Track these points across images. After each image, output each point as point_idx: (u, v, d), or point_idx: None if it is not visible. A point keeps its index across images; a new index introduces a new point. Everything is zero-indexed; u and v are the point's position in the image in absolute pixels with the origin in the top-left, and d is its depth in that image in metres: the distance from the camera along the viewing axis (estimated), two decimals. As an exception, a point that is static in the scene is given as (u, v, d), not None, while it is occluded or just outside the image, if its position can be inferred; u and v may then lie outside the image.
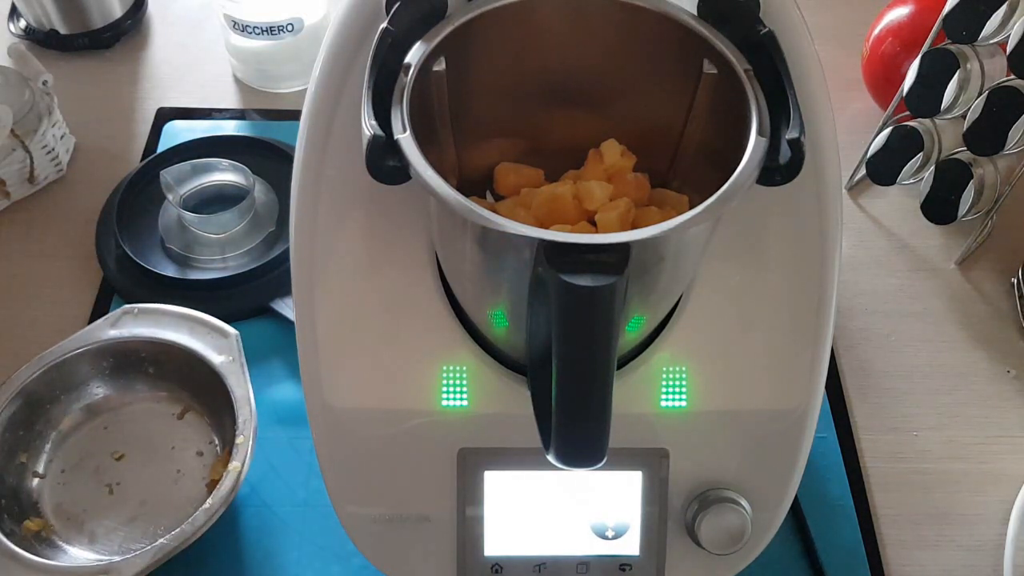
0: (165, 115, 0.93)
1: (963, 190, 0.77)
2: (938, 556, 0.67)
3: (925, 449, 0.72)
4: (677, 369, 0.54)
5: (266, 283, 0.78)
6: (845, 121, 0.90)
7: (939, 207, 0.79)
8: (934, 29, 0.75)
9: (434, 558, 0.56)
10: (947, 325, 0.79)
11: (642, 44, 0.49)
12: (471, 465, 0.55)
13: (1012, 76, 0.71)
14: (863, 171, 0.84)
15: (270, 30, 0.89)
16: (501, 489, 0.55)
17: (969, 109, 0.74)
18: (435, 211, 0.46)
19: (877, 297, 0.80)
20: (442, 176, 0.41)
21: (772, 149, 0.42)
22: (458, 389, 0.54)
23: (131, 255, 0.78)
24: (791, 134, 0.41)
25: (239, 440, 0.63)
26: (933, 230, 0.84)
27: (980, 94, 0.73)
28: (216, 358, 0.67)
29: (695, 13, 0.48)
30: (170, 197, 0.79)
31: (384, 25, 0.44)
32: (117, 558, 0.60)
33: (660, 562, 0.56)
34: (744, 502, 0.55)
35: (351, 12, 0.51)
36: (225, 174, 0.83)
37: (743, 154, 0.42)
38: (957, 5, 0.72)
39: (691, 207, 0.41)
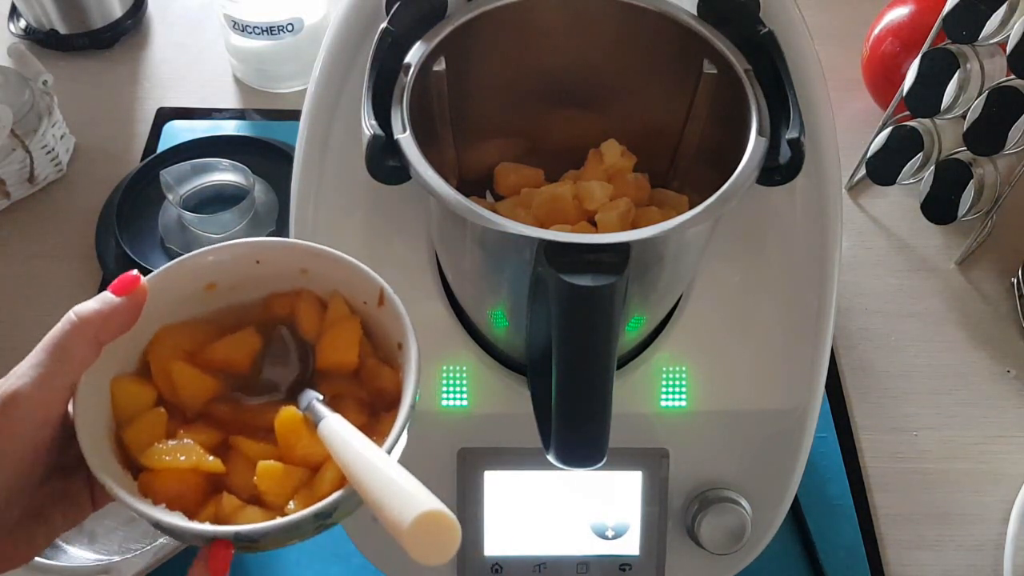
0: (165, 115, 0.93)
1: (963, 190, 0.77)
2: (938, 556, 0.67)
3: (925, 449, 0.72)
4: (677, 369, 0.54)
5: (266, 283, 0.78)
6: (845, 121, 0.90)
7: (939, 207, 0.79)
8: (934, 29, 0.75)
9: (434, 558, 0.56)
10: (947, 325, 0.79)
11: (642, 44, 0.49)
12: (471, 465, 0.55)
13: (1012, 76, 0.71)
14: (863, 171, 0.84)
15: (270, 30, 0.89)
16: (501, 489, 0.55)
17: (969, 109, 0.74)
18: (435, 211, 0.46)
19: (877, 297, 0.80)
20: (442, 176, 0.41)
21: (772, 149, 0.42)
22: (458, 389, 0.54)
23: (131, 255, 0.78)
24: (791, 134, 0.41)
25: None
26: (933, 230, 0.84)
27: (980, 94, 0.73)
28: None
29: (695, 13, 0.48)
30: (170, 197, 0.79)
31: (384, 25, 0.44)
32: (117, 558, 0.60)
33: (660, 562, 0.56)
34: (744, 502, 0.55)
35: (351, 12, 0.51)
36: (225, 174, 0.83)
37: (743, 154, 0.42)
38: (957, 5, 0.72)
39: (691, 207, 0.41)
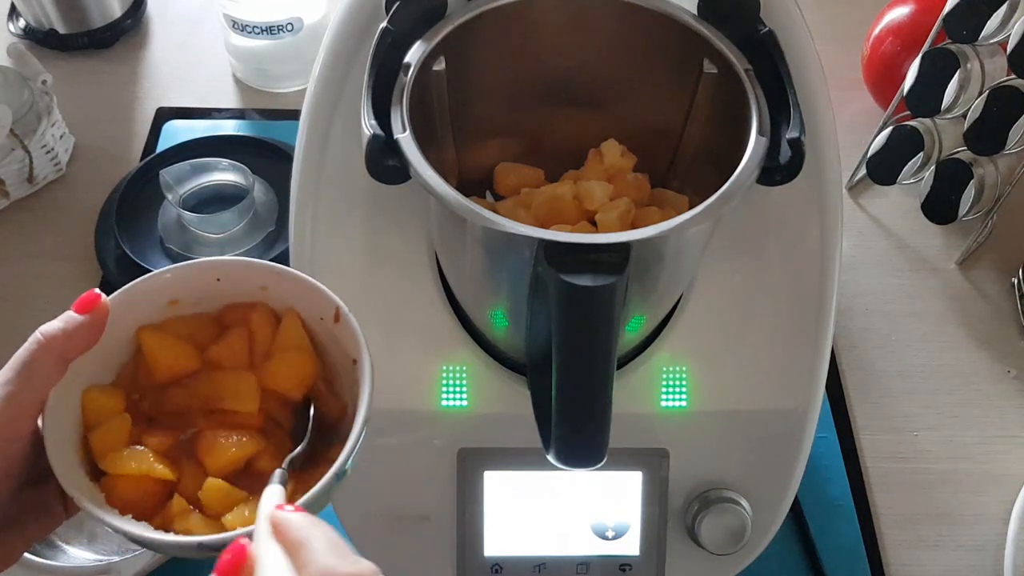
0: (165, 115, 0.93)
1: (963, 190, 0.77)
2: (938, 556, 0.67)
3: (925, 449, 0.72)
4: (677, 369, 0.54)
5: (266, 283, 0.78)
6: (845, 121, 0.90)
7: (939, 207, 0.79)
8: (934, 29, 0.74)
9: (434, 558, 0.56)
10: (947, 325, 0.79)
11: (642, 44, 0.49)
12: (471, 465, 0.55)
13: (1012, 76, 0.71)
14: (863, 171, 0.84)
15: (270, 30, 0.89)
16: (501, 489, 0.55)
17: (969, 109, 0.74)
18: (435, 211, 0.46)
19: (877, 297, 0.80)
20: (442, 176, 0.41)
21: (772, 149, 0.42)
22: (458, 389, 0.54)
23: (131, 255, 0.78)
24: (791, 134, 0.41)
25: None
26: (933, 230, 0.84)
27: (980, 94, 0.73)
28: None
29: (695, 13, 0.48)
30: (170, 197, 0.79)
31: (384, 25, 0.44)
32: (117, 558, 0.60)
33: (660, 562, 0.56)
34: (744, 502, 0.55)
35: (351, 12, 0.51)
36: (225, 174, 0.83)
37: (743, 154, 0.42)
38: (957, 5, 0.72)
39: (691, 207, 0.41)
